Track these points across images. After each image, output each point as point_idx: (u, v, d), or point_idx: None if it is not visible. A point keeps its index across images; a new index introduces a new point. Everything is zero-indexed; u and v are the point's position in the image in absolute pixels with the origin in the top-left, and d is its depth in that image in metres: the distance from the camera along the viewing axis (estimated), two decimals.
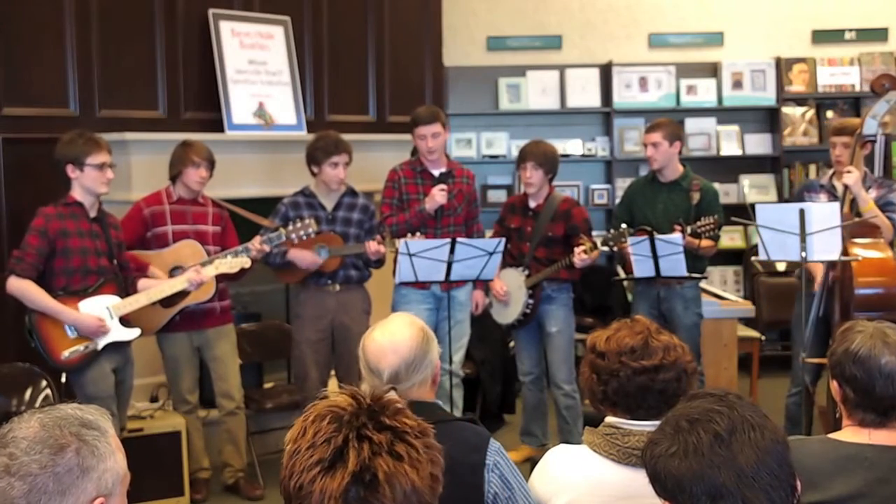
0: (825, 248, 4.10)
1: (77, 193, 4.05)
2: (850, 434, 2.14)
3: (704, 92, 7.24)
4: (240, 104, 5.34)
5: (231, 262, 4.39)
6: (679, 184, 4.87)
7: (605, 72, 7.23)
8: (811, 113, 7.26)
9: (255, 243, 4.47)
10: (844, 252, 4.21)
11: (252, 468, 4.87)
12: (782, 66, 7.22)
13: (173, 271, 4.47)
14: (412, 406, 1.49)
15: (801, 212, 4.10)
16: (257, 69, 5.47)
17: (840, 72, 7.26)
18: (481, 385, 5.67)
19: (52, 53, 4.82)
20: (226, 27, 5.37)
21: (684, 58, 7.33)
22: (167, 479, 4.54)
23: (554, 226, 4.87)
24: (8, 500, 1.39)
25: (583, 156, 7.20)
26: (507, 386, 5.81)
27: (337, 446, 1.31)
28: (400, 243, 4.40)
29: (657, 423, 1.60)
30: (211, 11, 5.31)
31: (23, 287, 3.97)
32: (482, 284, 4.95)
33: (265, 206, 4.88)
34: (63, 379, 4.08)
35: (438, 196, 4.71)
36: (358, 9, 6.11)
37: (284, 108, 5.55)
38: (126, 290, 4.19)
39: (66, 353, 4.02)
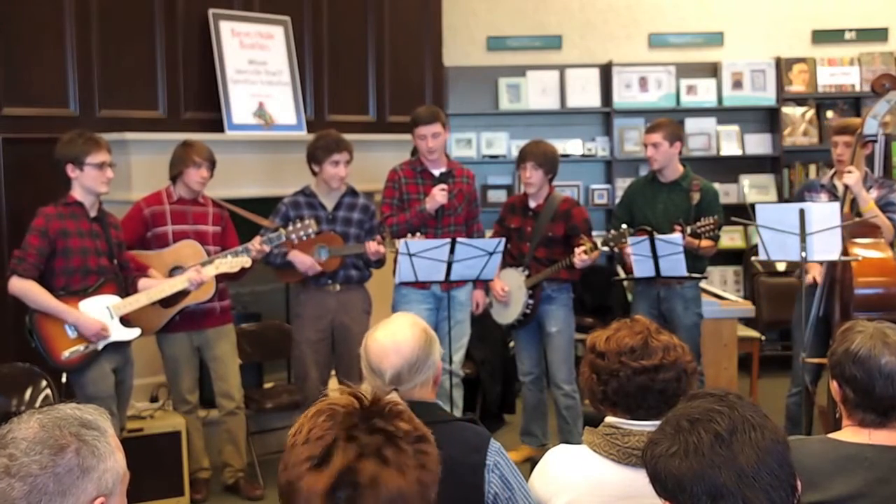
0: (825, 248, 4.10)
1: (77, 193, 4.05)
2: (850, 434, 2.14)
3: (704, 92, 7.24)
4: (240, 104, 5.34)
5: (231, 262, 4.39)
6: (679, 184, 4.87)
7: (605, 72, 7.23)
8: (811, 113, 7.26)
9: (255, 243, 4.47)
10: (844, 252, 4.21)
11: (252, 468, 4.87)
12: (782, 66, 7.22)
13: (173, 271, 4.46)
14: (413, 406, 1.49)
15: (801, 212, 4.10)
16: (257, 69, 5.47)
17: (840, 72, 7.26)
18: (481, 385, 5.67)
19: (52, 53, 4.82)
20: (226, 27, 5.37)
21: (684, 58, 7.33)
22: (167, 479, 4.54)
23: (554, 226, 4.87)
24: (8, 501, 1.39)
25: (583, 156, 7.20)
26: (507, 386, 5.81)
27: (326, 445, 1.31)
28: (400, 243, 4.40)
29: (657, 423, 1.60)
30: (211, 11, 5.31)
31: (25, 287, 3.97)
32: (482, 284, 4.95)
33: (265, 206, 4.88)
34: (63, 379, 4.08)
35: (439, 196, 4.71)
36: (358, 9, 6.11)
37: (284, 108, 5.55)
38: (126, 289, 4.19)
39: (66, 353, 4.02)
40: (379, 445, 1.31)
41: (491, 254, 4.46)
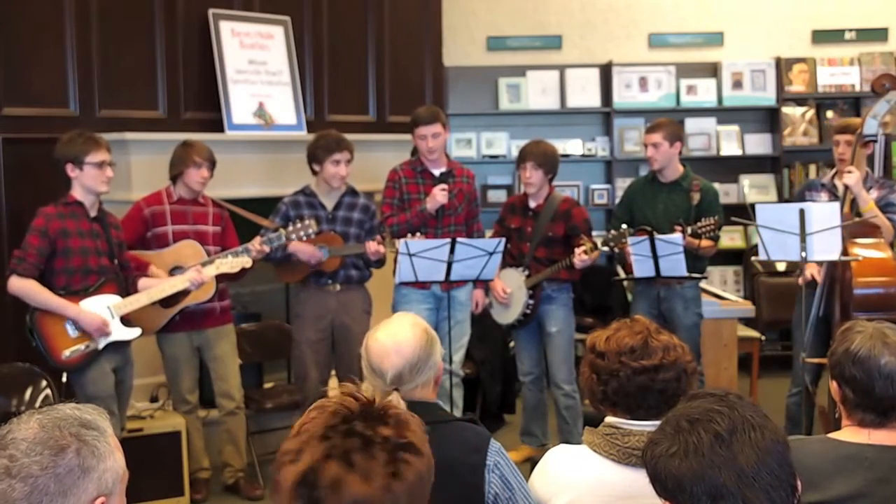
0: (825, 248, 4.10)
1: (77, 193, 4.06)
2: (850, 434, 2.14)
3: (704, 92, 7.24)
4: (240, 104, 5.34)
5: (232, 262, 4.40)
6: (679, 184, 4.87)
7: (605, 72, 7.23)
8: (811, 113, 7.26)
9: (256, 244, 4.47)
10: (844, 252, 4.21)
11: (252, 468, 4.87)
12: (782, 66, 7.22)
13: (173, 271, 4.46)
14: (413, 406, 1.49)
15: (801, 212, 4.10)
16: (257, 69, 5.47)
17: (840, 72, 7.26)
18: (481, 385, 5.67)
19: (52, 53, 4.83)
20: (226, 27, 5.37)
21: (684, 58, 7.33)
22: (167, 479, 4.54)
23: (554, 226, 4.87)
24: (9, 502, 1.39)
25: (583, 156, 7.20)
26: (507, 386, 5.82)
27: (303, 441, 1.32)
28: (400, 243, 4.40)
29: (657, 423, 1.60)
30: (211, 11, 5.31)
31: (25, 286, 3.97)
32: (482, 284, 4.95)
33: (265, 206, 4.88)
34: (63, 379, 4.08)
35: (439, 196, 4.71)
36: (358, 9, 6.11)
37: (284, 108, 5.55)
38: (126, 289, 4.19)
39: (66, 353, 4.02)
40: (349, 449, 1.29)
41: (491, 254, 4.46)
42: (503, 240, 4.54)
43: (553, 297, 4.89)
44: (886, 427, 2.11)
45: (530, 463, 4.54)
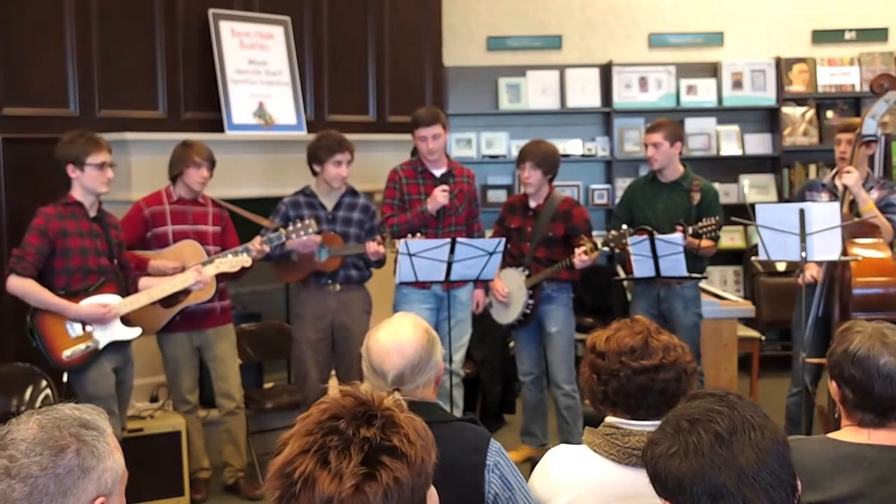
0: (825, 248, 4.10)
1: (77, 193, 4.06)
2: (850, 434, 2.14)
3: (704, 92, 7.24)
4: (240, 104, 5.34)
5: (232, 262, 4.40)
6: (679, 184, 4.88)
7: (605, 72, 7.23)
8: (811, 113, 7.26)
9: (256, 244, 4.47)
10: (844, 252, 4.21)
11: (252, 468, 4.87)
12: (782, 66, 7.22)
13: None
14: (413, 406, 1.48)
15: (801, 212, 4.10)
16: (257, 69, 5.47)
17: (840, 72, 7.26)
18: (481, 385, 5.67)
19: (52, 53, 4.83)
20: (226, 27, 5.37)
21: (684, 58, 7.33)
22: (167, 479, 4.54)
23: (554, 226, 4.87)
24: (9, 503, 1.39)
25: (583, 156, 7.20)
26: (507, 386, 5.82)
27: (291, 434, 1.35)
28: (400, 243, 4.40)
29: (657, 423, 1.61)
30: (211, 11, 5.31)
31: (24, 286, 3.97)
32: (483, 284, 4.95)
33: (265, 206, 4.88)
34: (64, 379, 4.08)
35: (440, 196, 4.71)
36: (358, 9, 6.11)
37: (284, 108, 5.55)
38: (126, 289, 4.19)
39: (67, 353, 4.02)
40: (326, 447, 1.30)
41: (491, 254, 4.46)
42: (503, 240, 4.55)
43: (553, 297, 4.89)
44: (886, 427, 2.11)
45: (530, 463, 4.54)
